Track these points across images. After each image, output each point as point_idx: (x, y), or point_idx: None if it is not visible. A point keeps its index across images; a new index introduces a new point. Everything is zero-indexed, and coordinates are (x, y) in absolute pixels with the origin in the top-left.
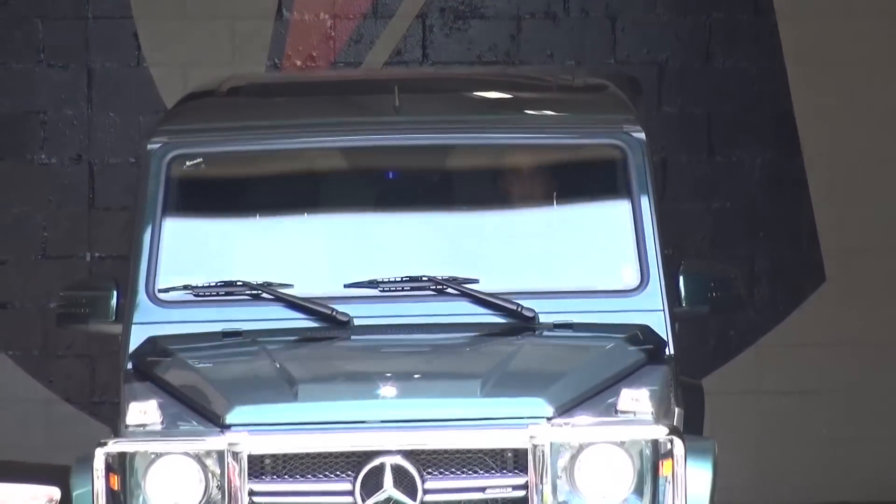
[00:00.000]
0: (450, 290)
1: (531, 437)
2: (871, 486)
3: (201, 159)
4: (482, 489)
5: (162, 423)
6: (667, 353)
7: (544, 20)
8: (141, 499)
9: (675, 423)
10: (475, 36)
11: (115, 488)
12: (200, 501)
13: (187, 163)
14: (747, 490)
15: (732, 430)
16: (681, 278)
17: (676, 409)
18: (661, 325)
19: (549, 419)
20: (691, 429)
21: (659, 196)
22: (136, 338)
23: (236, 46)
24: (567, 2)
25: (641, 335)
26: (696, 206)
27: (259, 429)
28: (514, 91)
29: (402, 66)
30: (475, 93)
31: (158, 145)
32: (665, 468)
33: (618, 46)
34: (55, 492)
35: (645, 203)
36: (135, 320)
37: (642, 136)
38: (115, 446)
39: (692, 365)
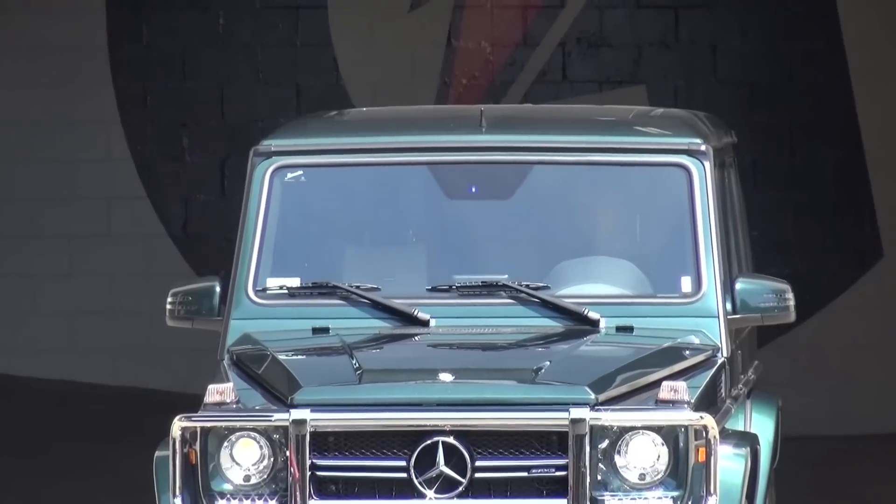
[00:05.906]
0: (523, 295)
1: (572, 419)
2: None
3: (301, 172)
4: (528, 469)
5: (237, 402)
6: (719, 356)
7: (659, 47)
8: (215, 471)
9: (717, 417)
10: (604, 60)
11: (193, 462)
12: (268, 475)
13: (288, 174)
14: (821, 422)
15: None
16: (736, 289)
17: (725, 407)
18: (715, 331)
19: (591, 405)
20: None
21: (747, 191)
22: (234, 333)
23: (414, 68)
24: (677, 33)
25: (696, 339)
26: (780, 195)
27: (322, 408)
28: (594, 115)
29: (546, 84)
30: (556, 119)
31: (263, 157)
32: (700, 455)
33: (717, 69)
34: None
35: (705, 219)
36: (234, 316)
37: (706, 156)
38: (188, 422)
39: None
